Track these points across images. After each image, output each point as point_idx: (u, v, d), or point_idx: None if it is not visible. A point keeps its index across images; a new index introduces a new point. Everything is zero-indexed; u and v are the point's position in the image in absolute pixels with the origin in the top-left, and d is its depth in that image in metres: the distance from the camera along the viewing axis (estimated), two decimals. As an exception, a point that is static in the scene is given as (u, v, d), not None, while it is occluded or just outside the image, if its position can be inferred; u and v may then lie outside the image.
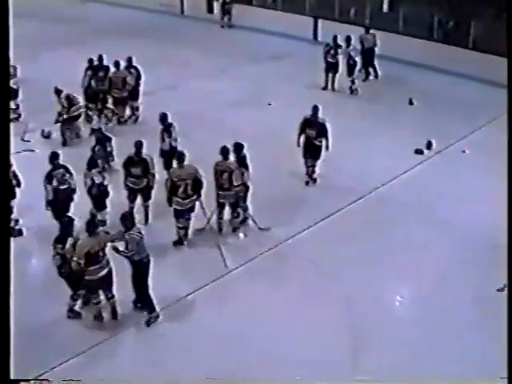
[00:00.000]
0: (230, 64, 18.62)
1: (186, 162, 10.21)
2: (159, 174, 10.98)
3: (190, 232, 10.57)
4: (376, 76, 17.59)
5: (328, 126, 11.73)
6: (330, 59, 16.74)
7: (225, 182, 10.27)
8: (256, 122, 14.30)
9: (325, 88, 16.97)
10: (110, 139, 12.39)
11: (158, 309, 8.76)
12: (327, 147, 11.77)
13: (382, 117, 15.17)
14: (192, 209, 10.33)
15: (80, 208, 10.35)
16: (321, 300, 9.06)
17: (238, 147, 10.50)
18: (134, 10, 23.95)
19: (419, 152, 13.47)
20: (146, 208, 10.92)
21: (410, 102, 16.03)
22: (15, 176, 10.27)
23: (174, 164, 10.68)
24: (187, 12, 24.18)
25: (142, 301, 8.78)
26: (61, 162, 10.38)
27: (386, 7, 20.32)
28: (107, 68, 14.75)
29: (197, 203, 10.29)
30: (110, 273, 8.61)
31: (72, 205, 10.33)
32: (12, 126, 12.87)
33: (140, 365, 8.13)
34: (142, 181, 10.66)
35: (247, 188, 10.68)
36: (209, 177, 10.35)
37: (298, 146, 11.81)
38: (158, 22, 23.11)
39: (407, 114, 15.49)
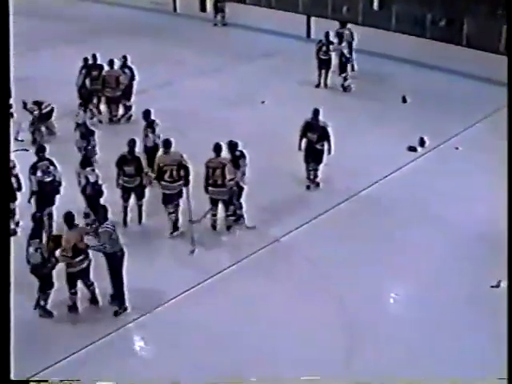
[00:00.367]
0: (224, 62, 18.58)
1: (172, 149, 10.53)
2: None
3: (180, 221, 10.61)
4: (352, 69, 17.52)
5: (330, 129, 11.62)
6: (322, 56, 16.81)
7: (218, 179, 10.28)
8: (250, 120, 14.29)
9: (318, 85, 16.99)
10: (93, 133, 12.41)
11: (127, 303, 8.92)
12: (329, 151, 11.63)
13: (375, 114, 15.16)
14: (180, 194, 10.50)
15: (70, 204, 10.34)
16: (316, 299, 9.06)
17: (232, 145, 10.51)
18: (127, 8, 23.84)
19: (412, 149, 13.48)
20: (140, 207, 10.90)
21: (404, 100, 16.03)
22: (17, 179, 10.34)
23: (160, 151, 10.92)
24: (180, 10, 24.11)
25: (115, 293, 8.88)
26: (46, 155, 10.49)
27: (376, 5, 20.31)
28: (101, 67, 14.73)
29: (184, 190, 10.42)
30: (89, 263, 8.84)
31: (57, 197, 10.43)
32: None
33: (138, 364, 8.15)
34: (135, 179, 10.64)
35: (241, 188, 10.67)
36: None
37: (300, 149, 11.68)
38: (151, 20, 23.03)
39: (400, 112, 15.49)
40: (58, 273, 8.79)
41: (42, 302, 8.78)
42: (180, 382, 7.35)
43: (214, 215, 10.69)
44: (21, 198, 10.39)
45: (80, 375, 7.35)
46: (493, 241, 9.61)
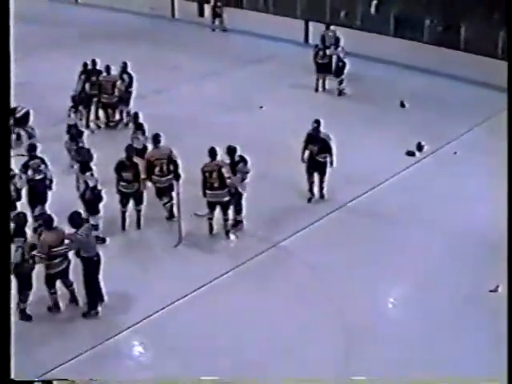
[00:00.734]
0: (222, 67, 18.60)
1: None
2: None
3: (175, 211, 10.75)
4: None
5: (331, 141, 11.45)
6: (320, 60, 16.94)
7: (215, 181, 10.31)
8: (248, 125, 14.30)
9: (317, 90, 17.06)
10: (81, 134, 12.58)
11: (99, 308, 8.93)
12: (331, 163, 11.44)
13: (373, 119, 15.18)
14: (171, 187, 10.68)
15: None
16: (315, 301, 9.07)
17: (231, 150, 10.53)
18: (125, 13, 23.89)
19: (411, 154, 13.50)
20: (138, 212, 10.90)
21: (402, 105, 16.05)
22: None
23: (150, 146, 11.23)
24: (178, 15, 24.15)
25: (88, 296, 8.87)
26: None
27: (373, 10, 20.37)
28: (100, 72, 14.75)
29: (175, 184, 10.56)
30: (68, 265, 8.90)
31: (50, 194, 10.56)
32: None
33: (138, 366, 8.19)
34: (134, 185, 10.65)
35: (240, 194, 10.67)
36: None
37: (303, 161, 11.48)
38: (149, 25, 23.07)
39: (399, 116, 15.50)
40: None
41: (21, 305, 8.70)
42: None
43: (211, 219, 10.70)
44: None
45: (80, 376, 7.39)
46: (492, 243, 9.63)
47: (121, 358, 8.29)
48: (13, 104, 13.88)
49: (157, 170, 10.71)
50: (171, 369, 7.92)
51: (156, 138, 10.99)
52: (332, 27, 17.99)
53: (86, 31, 21.42)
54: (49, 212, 9.77)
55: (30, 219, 9.60)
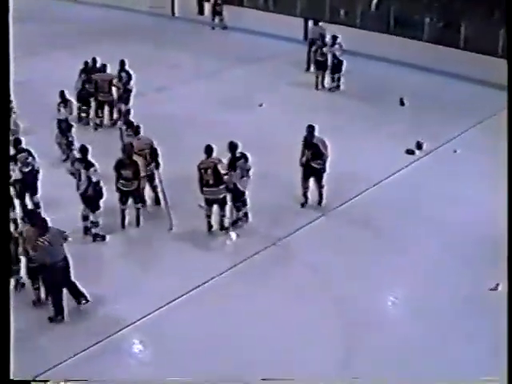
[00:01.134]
0: (221, 65, 18.60)
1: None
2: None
3: (160, 197, 11.18)
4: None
5: (323, 146, 11.07)
6: (318, 58, 17.09)
7: (210, 178, 10.34)
8: (248, 123, 14.28)
9: (317, 87, 17.13)
10: (70, 128, 12.85)
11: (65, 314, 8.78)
12: (323, 169, 11.15)
13: (373, 116, 15.18)
14: (153, 176, 11.15)
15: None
16: (315, 301, 9.05)
17: (233, 146, 10.54)
18: (125, 11, 23.91)
19: (410, 152, 13.49)
20: (138, 210, 10.90)
21: (401, 103, 16.05)
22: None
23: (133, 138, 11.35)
24: (178, 13, 24.14)
25: (52, 302, 8.75)
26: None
27: (373, 6, 20.40)
28: (100, 71, 14.75)
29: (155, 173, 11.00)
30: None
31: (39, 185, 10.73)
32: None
33: (138, 365, 8.17)
34: (133, 183, 10.64)
35: (240, 191, 10.67)
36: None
37: (301, 165, 11.22)
38: (149, 23, 23.08)
39: (398, 114, 15.51)
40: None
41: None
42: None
43: (209, 216, 10.70)
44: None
45: (79, 376, 7.36)
46: (492, 242, 9.62)
47: (120, 356, 8.25)
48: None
49: (140, 159, 10.80)
50: (170, 367, 7.89)
51: (136, 130, 11.31)
52: (321, 23, 18.35)
53: (85, 29, 21.43)
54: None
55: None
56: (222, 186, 10.41)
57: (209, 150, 10.38)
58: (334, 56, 16.87)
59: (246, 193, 10.74)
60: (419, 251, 10.19)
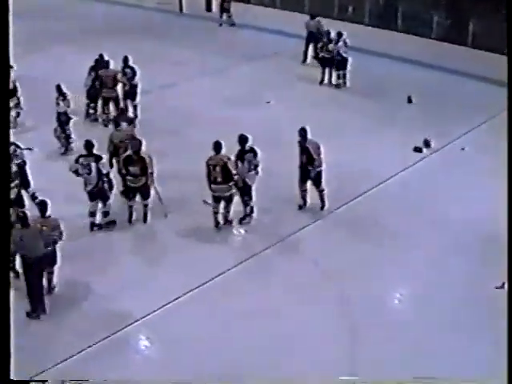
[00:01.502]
0: (229, 62, 18.58)
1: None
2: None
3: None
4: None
5: (315, 150, 10.84)
6: (324, 54, 17.13)
7: (218, 176, 10.33)
8: (255, 120, 14.25)
9: (322, 82, 17.17)
10: (68, 121, 13.05)
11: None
12: (318, 173, 10.93)
13: (380, 114, 15.15)
14: None
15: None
16: (320, 299, 9.06)
17: (242, 139, 10.57)
18: (132, 7, 23.87)
19: (418, 150, 13.47)
20: (145, 207, 10.92)
21: (409, 100, 16.02)
22: (25, 177, 10.75)
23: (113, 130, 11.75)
24: (185, 10, 24.11)
25: (28, 297, 8.70)
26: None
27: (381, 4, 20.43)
28: (104, 67, 14.74)
29: None
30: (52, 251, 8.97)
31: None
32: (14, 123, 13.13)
33: (142, 363, 8.17)
34: (141, 179, 10.66)
35: (247, 185, 10.66)
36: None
37: (299, 168, 11.10)
38: (156, 20, 23.05)
39: (406, 112, 15.47)
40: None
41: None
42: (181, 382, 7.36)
43: (216, 213, 10.70)
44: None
45: (80, 376, 7.34)
46: (498, 241, 9.57)
47: (122, 355, 8.21)
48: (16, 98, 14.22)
49: (121, 150, 11.03)
50: (174, 365, 7.91)
51: (116, 122, 11.81)
52: (318, 18, 18.53)
53: (92, 26, 21.39)
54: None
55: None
56: (230, 184, 10.41)
57: (218, 146, 10.38)
58: (338, 53, 16.87)
59: (253, 187, 10.74)
60: (425, 249, 10.18)
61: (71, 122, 13.14)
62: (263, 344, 8.20)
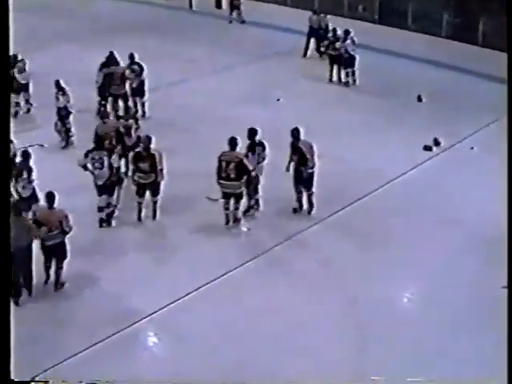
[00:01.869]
0: (238, 60, 18.60)
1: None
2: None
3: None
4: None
5: (308, 150, 10.73)
6: (332, 52, 17.15)
7: (231, 172, 10.31)
8: (265, 117, 14.23)
9: (331, 80, 17.20)
10: (68, 116, 13.21)
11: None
12: (310, 175, 10.75)
13: (390, 112, 15.14)
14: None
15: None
16: (328, 298, 9.06)
17: (252, 132, 10.61)
18: (141, 4, 23.92)
19: (428, 149, 13.46)
20: (155, 203, 10.94)
21: (419, 99, 15.99)
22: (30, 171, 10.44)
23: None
24: (195, 7, 24.13)
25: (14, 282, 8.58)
26: None
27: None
28: (117, 65, 14.78)
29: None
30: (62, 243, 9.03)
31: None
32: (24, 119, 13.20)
33: (147, 361, 8.17)
34: (150, 176, 10.68)
35: (257, 178, 10.67)
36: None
37: (287, 171, 10.91)
38: (166, 17, 23.08)
39: (416, 110, 15.45)
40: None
41: None
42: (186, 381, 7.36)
43: (227, 209, 10.71)
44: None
45: (80, 376, 7.25)
46: (503, 241, 9.56)
47: (125, 355, 8.13)
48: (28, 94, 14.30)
49: (107, 142, 11.13)
50: (182, 363, 7.91)
51: (102, 116, 12.10)
52: (322, 14, 18.87)
53: (102, 23, 21.45)
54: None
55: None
56: (241, 181, 10.39)
57: (233, 142, 10.33)
58: (346, 51, 16.87)
59: (260, 178, 10.74)
60: (433, 249, 10.14)
61: (71, 117, 13.29)
62: (270, 342, 8.21)
